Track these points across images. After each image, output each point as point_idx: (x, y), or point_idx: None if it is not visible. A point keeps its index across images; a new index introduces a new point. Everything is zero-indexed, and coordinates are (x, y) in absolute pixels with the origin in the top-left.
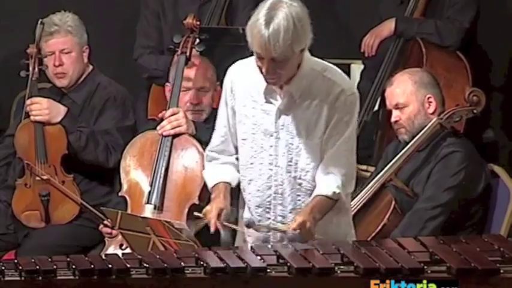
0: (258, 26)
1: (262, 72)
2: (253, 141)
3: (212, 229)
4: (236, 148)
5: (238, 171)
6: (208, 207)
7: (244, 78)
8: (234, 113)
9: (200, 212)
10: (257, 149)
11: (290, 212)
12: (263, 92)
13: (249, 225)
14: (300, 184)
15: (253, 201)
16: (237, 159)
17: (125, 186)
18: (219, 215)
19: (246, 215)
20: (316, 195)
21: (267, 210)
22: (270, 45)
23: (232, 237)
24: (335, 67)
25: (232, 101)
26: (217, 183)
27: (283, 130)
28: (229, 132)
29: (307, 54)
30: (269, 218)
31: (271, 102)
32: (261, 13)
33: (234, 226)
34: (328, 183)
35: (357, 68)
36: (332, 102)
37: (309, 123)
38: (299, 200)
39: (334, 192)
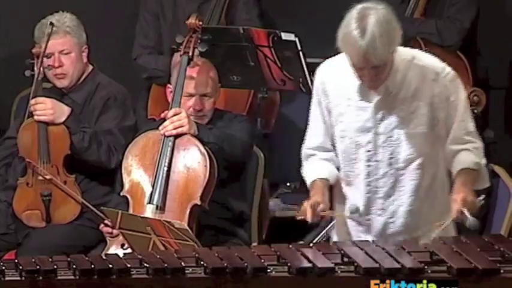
0: (353, 37)
1: (362, 81)
2: (350, 138)
3: (309, 220)
4: (333, 145)
5: (337, 167)
6: (305, 204)
7: (335, 77)
8: (329, 112)
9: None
10: (354, 146)
11: (391, 205)
12: (358, 90)
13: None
14: (402, 175)
15: (353, 197)
16: (335, 155)
17: (126, 186)
18: (315, 206)
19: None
20: (460, 170)
21: (368, 205)
22: (370, 54)
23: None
24: (422, 52)
25: (325, 101)
26: (314, 180)
27: (382, 124)
28: (326, 130)
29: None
30: (370, 213)
31: (366, 99)
32: (351, 24)
33: (334, 213)
34: (465, 158)
35: None
36: (430, 88)
37: (408, 114)
38: (401, 190)
39: (475, 163)
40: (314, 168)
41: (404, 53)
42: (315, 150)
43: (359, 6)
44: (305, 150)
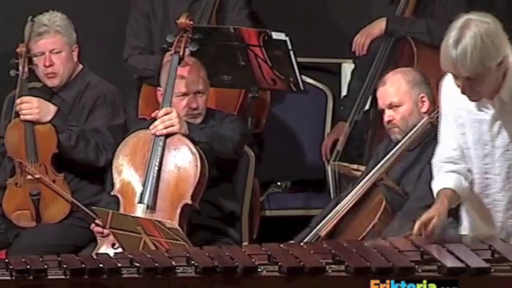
0: (447, 46)
1: (462, 91)
2: (467, 149)
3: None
4: (462, 157)
5: (466, 179)
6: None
7: (455, 90)
8: (454, 122)
9: None
10: (472, 159)
11: (511, 218)
12: (476, 102)
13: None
14: None
15: (470, 212)
16: (466, 169)
17: (117, 186)
18: (426, 223)
19: (465, 224)
20: None
21: (487, 218)
22: (458, 64)
23: None
24: None
25: (452, 111)
26: (439, 190)
27: (499, 137)
28: (455, 142)
29: (511, 60)
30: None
31: (483, 111)
32: (451, 33)
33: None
34: None
35: (348, 67)
36: None
37: None
38: None
39: None
40: (440, 179)
41: None
42: (443, 162)
43: (466, 16)
44: (434, 163)
